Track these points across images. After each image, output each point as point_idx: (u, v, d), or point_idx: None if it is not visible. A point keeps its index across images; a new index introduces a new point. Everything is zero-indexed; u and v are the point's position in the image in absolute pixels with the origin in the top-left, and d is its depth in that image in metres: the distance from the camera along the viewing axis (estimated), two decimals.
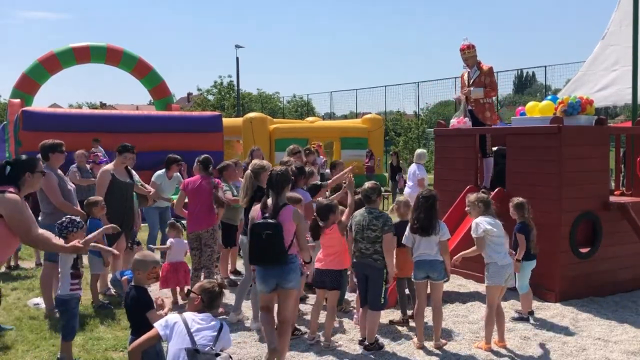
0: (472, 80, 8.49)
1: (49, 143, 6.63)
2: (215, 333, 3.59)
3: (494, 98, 8.79)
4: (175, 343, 3.55)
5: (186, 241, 7.06)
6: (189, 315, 3.68)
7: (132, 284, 4.30)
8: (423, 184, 10.74)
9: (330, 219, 5.68)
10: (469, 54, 8.47)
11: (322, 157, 20.31)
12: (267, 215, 4.88)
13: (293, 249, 4.88)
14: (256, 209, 5.08)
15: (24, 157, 4.82)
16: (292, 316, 4.95)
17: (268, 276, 4.86)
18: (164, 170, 8.93)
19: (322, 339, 5.64)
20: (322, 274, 5.67)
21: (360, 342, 5.59)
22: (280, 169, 5.04)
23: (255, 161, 6.36)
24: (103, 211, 6.73)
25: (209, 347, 3.51)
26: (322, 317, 5.89)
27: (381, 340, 5.60)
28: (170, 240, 7.21)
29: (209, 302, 3.75)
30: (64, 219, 5.58)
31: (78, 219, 5.67)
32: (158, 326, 3.66)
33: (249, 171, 6.20)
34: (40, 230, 4.53)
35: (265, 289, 4.91)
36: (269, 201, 4.94)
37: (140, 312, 4.12)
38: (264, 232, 4.73)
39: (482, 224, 5.59)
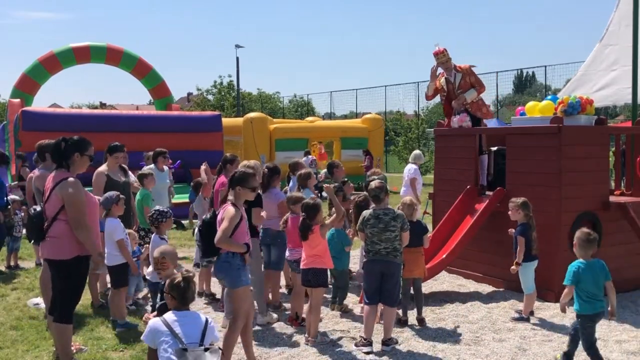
0: (457, 84, 8.53)
1: (46, 143, 6.59)
2: (202, 329, 3.61)
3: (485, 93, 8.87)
4: (163, 349, 3.53)
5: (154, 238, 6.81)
6: (169, 316, 3.67)
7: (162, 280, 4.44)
8: (415, 184, 10.73)
9: (316, 218, 5.71)
10: (443, 57, 8.50)
11: (310, 156, 20.21)
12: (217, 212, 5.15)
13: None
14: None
15: (75, 137, 5.00)
16: (238, 312, 4.91)
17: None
18: (153, 165, 9.43)
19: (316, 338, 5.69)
20: (307, 272, 5.75)
21: (357, 344, 5.53)
22: (242, 170, 5.16)
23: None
24: (102, 212, 6.70)
25: (195, 344, 3.51)
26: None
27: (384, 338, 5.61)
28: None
29: (179, 297, 3.72)
30: (152, 211, 6.04)
31: (166, 209, 6.07)
32: (144, 337, 3.70)
33: None
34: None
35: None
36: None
37: None
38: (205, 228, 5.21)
39: None
